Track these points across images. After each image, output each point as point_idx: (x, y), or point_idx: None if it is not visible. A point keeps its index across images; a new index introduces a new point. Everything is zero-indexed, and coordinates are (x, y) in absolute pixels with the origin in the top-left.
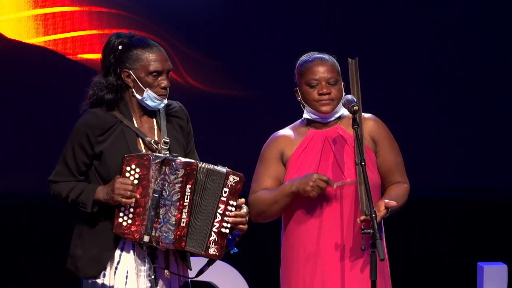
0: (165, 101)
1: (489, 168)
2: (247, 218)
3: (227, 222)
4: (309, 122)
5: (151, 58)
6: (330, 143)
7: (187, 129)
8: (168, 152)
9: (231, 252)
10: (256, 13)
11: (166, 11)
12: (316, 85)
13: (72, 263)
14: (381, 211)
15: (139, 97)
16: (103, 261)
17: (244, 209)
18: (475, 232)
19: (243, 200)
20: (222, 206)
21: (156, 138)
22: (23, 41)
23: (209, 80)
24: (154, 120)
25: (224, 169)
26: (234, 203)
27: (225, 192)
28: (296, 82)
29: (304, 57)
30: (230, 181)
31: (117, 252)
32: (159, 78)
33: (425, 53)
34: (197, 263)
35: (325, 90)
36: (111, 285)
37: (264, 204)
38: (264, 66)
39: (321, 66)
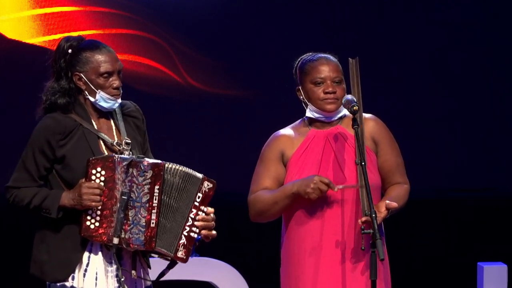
0: (119, 101)
1: (489, 168)
2: (213, 224)
3: (197, 227)
4: (310, 122)
5: (101, 59)
6: (331, 143)
7: (143, 128)
8: (130, 153)
9: (191, 257)
10: (256, 13)
11: (166, 11)
12: (322, 84)
13: (37, 268)
14: (382, 212)
15: (92, 99)
16: (72, 264)
17: (212, 216)
18: (475, 232)
19: (212, 210)
20: (194, 211)
21: (116, 139)
22: (23, 41)
23: (209, 80)
24: (112, 121)
25: (200, 175)
26: (205, 209)
27: (198, 197)
28: (297, 81)
29: (306, 56)
30: (204, 187)
31: (86, 254)
32: (111, 79)
33: (425, 54)
34: (156, 264)
35: (331, 89)
36: (80, 287)
37: (264, 204)
38: (264, 66)
39: (326, 65)
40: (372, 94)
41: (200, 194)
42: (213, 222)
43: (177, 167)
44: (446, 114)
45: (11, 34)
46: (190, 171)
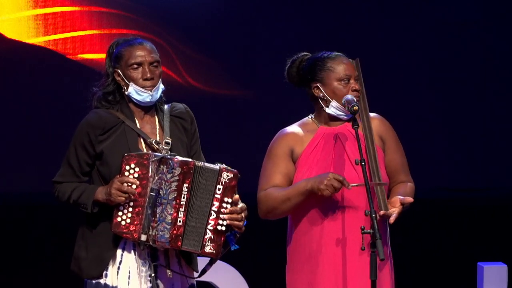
0: (152, 93)
1: (489, 168)
2: (243, 214)
3: (223, 220)
4: (319, 119)
5: (131, 52)
6: (341, 141)
7: (191, 130)
8: (168, 152)
9: (232, 249)
10: (256, 13)
11: (166, 11)
12: (348, 81)
13: (76, 264)
14: (397, 207)
15: (127, 93)
16: (104, 261)
17: (240, 205)
18: (475, 232)
19: (237, 197)
20: (216, 204)
21: (158, 139)
22: (23, 41)
23: (209, 80)
24: (157, 120)
25: (216, 166)
26: (229, 200)
27: (218, 189)
28: (314, 78)
29: (320, 54)
30: (223, 178)
31: (119, 251)
32: (141, 70)
33: (425, 53)
34: (201, 263)
35: (357, 87)
36: (114, 285)
37: (276, 201)
38: (264, 66)
39: (347, 63)
40: (372, 94)
41: (220, 186)
42: (241, 214)
43: (199, 164)
44: (445, 114)
45: (11, 34)
46: (205, 164)
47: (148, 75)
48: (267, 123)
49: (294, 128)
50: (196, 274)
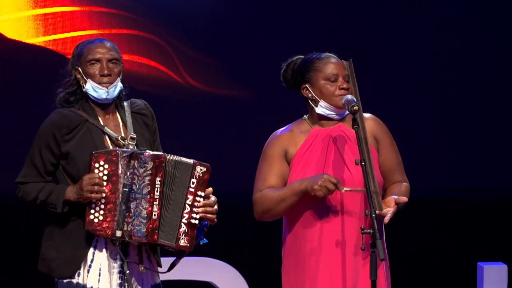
0: (108, 90)
1: (489, 168)
2: (216, 207)
3: (196, 213)
4: (312, 120)
5: (90, 49)
6: (335, 142)
7: (152, 126)
8: (135, 147)
9: (201, 243)
10: (256, 13)
11: (166, 11)
12: (335, 80)
13: (45, 265)
14: (391, 207)
15: (84, 89)
16: (78, 260)
17: (212, 198)
18: (475, 232)
19: (210, 189)
20: (190, 197)
21: (122, 135)
22: (23, 41)
23: (209, 80)
24: (119, 117)
25: (190, 160)
26: (202, 194)
27: (193, 183)
28: (304, 79)
29: (309, 55)
30: (197, 172)
31: (91, 250)
32: (98, 67)
33: (425, 53)
34: (167, 260)
35: (345, 86)
36: (84, 283)
37: (271, 202)
38: (264, 66)
39: (336, 62)
40: (371, 94)
41: (194, 180)
42: (215, 207)
43: (171, 157)
44: (445, 114)
45: (11, 34)
46: (180, 158)
47: (105, 71)
48: (267, 123)
49: (287, 129)
50: (162, 268)
